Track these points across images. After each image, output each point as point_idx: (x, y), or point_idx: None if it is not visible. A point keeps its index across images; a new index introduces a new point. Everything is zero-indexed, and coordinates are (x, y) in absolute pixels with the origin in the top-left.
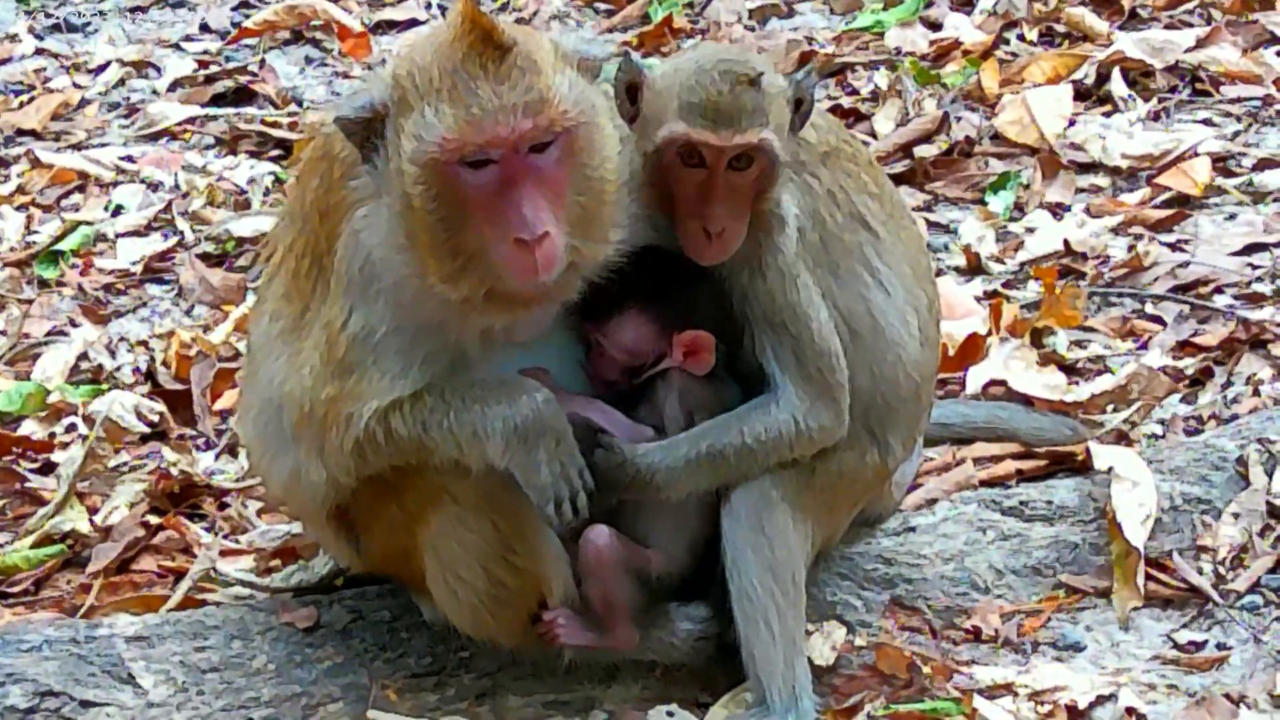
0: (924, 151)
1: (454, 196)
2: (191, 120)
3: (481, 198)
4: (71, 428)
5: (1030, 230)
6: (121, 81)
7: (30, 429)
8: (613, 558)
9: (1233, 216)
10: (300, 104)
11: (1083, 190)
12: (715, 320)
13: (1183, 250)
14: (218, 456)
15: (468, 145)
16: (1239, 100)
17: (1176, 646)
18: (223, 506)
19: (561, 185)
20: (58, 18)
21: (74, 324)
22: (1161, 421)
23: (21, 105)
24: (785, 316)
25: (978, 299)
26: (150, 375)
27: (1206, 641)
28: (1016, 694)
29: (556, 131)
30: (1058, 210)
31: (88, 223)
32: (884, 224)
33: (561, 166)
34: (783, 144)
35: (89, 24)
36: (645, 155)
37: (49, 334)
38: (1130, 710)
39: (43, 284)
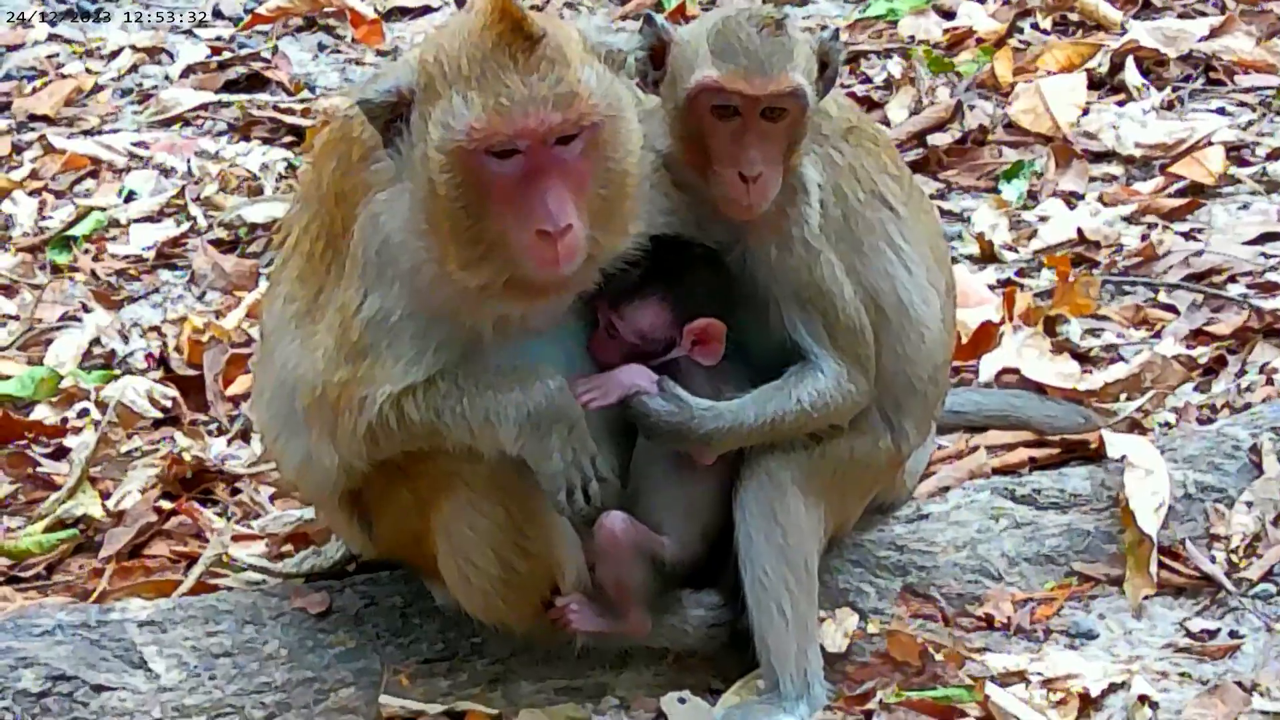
0: (937, 140)
1: (478, 185)
2: (204, 106)
3: (505, 187)
4: (84, 413)
5: (1044, 219)
6: (134, 67)
7: (43, 414)
8: (627, 543)
9: (1246, 206)
10: (313, 90)
11: (1096, 179)
12: (726, 310)
13: (1196, 239)
14: (230, 442)
15: (495, 135)
16: (1253, 89)
17: (1189, 634)
18: (235, 492)
19: (585, 177)
20: (70, 3)
21: (86, 309)
22: (1175, 410)
23: (34, 91)
24: (811, 293)
25: (991, 287)
26: (163, 361)
27: (1219, 630)
28: (1029, 681)
29: (583, 125)
30: (1071, 199)
31: (100, 208)
32: (905, 204)
33: (586, 159)
34: (811, 92)
35: (102, 10)
36: (676, 109)
37: (61, 319)
38: (1143, 698)
39: (55, 269)
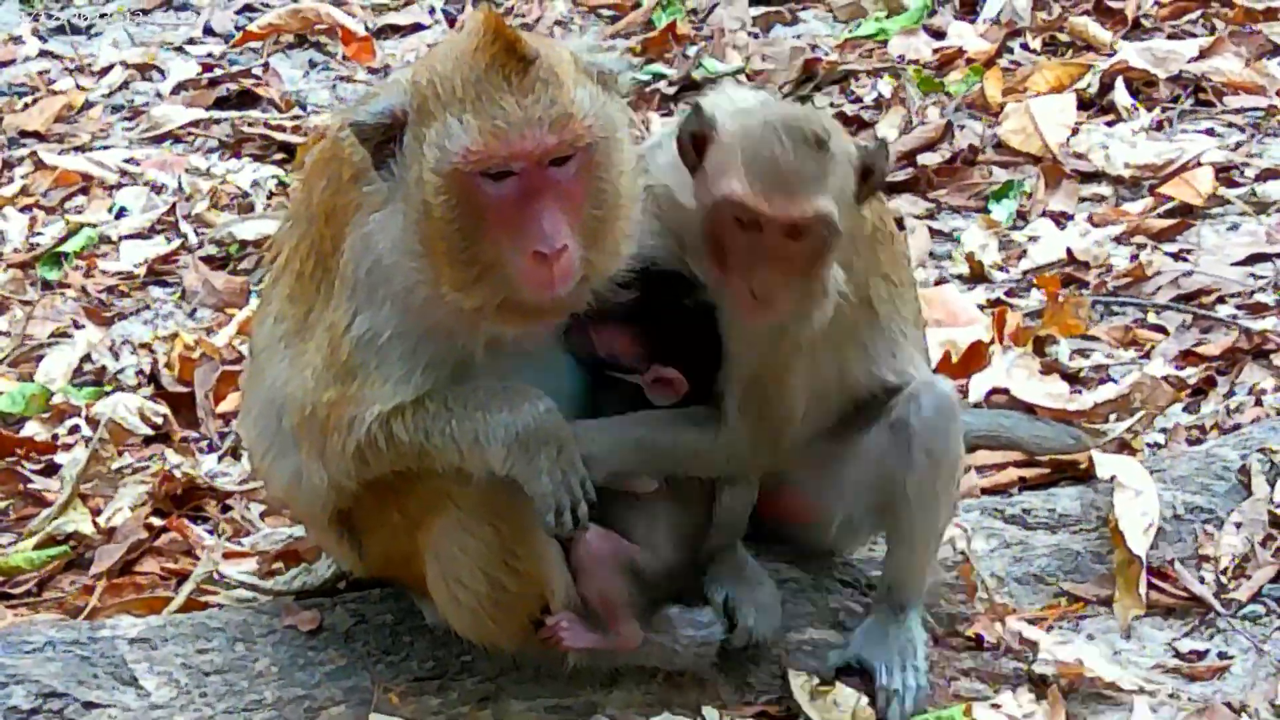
0: (927, 159)
1: (473, 207)
2: (195, 123)
3: (500, 209)
4: (75, 429)
5: (1033, 239)
6: (125, 84)
7: (33, 430)
8: (601, 553)
9: (1235, 226)
10: (303, 108)
11: (1085, 199)
12: (698, 363)
13: (1185, 260)
14: (221, 459)
15: (491, 157)
16: (1242, 110)
17: (1178, 655)
18: (225, 509)
19: (579, 199)
20: (62, 20)
21: (77, 326)
22: (1164, 430)
23: (25, 107)
24: (769, 376)
25: (980, 307)
26: (153, 377)
27: (1208, 651)
28: (1019, 702)
29: (578, 146)
30: (1061, 219)
31: (91, 225)
32: (889, 302)
33: (580, 180)
34: (843, 213)
35: (93, 26)
36: (703, 207)
37: (52, 335)
38: None
39: (46, 286)
